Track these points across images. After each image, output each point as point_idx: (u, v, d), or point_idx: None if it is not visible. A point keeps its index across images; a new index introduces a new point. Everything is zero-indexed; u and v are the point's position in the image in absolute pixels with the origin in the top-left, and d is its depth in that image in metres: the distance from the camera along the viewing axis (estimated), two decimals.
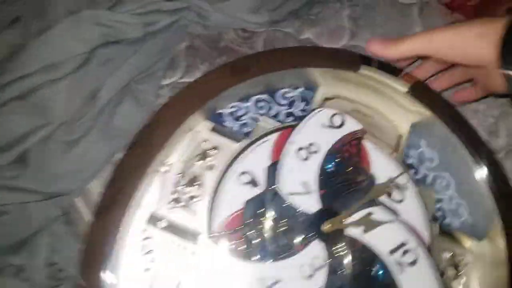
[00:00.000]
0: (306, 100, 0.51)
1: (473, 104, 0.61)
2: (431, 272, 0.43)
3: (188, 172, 0.46)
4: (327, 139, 0.47)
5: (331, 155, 0.46)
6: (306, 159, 0.46)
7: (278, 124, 0.48)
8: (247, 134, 0.49)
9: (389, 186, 0.45)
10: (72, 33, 0.50)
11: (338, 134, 0.47)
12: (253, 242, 0.43)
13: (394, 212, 0.45)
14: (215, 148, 0.47)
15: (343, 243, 0.43)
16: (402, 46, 0.46)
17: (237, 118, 0.49)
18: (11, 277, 0.48)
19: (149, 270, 0.43)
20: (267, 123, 0.48)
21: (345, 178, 0.46)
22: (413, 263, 0.43)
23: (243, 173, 0.44)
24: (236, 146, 0.46)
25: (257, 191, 0.44)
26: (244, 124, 0.49)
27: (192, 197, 0.45)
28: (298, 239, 0.43)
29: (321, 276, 0.42)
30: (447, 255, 0.46)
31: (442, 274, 0.45)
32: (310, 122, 0.46)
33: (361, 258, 0.44)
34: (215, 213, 0.43)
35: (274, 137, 0.46)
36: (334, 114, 0.47)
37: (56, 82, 0.49)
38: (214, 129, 0.48)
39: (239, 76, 0.47)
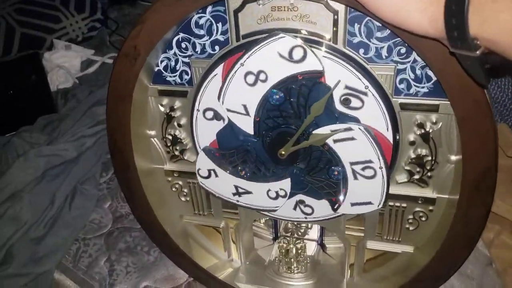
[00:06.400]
0: (221, 19, 0.44)
1: None
2: (381, 185, 0.45)
3: (166, 136, 0.53)
4: (280, 71, 0.42)
5: (279, 88, 0.43)
6: (252, 84, 0.43)
7: (209, 61, 0.46)
8: (189, 82, 0.48)
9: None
10: (25, 166, 0.70)
11: (293, 69, 0.41)
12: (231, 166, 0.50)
13: (354, 119, 0.43)
14: (171, 109, 0.51)
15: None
16: None
17: (173, 70, 0.48)
18: None
19: None
20: (200, 63, 0.46)
21: (283, 115, 0.45)
22: (370, 178, 0.45)
23: (205, 110, 0.48)
24: (186, 100, 0.49)
25: (222, 124, 0.48)
26: (182, 73, 0.48)
27: (182, 151, 0.54)
28: (265, 171, 0.49)
29: (283, 200, 0.50)
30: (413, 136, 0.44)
31: (411, 173, 0.47)
32: (266, 48, 0.41)
33: (323, 158, 0.47)
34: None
35: (220, 69, 0.45)
36: (296, 46, 0.40)
37: (22, 199, 0.67)
38: (160, 93, 0.50)
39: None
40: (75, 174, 0.75)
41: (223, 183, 0.52)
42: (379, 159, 0.45)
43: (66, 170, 0.74)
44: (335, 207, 0.49)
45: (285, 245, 0.64)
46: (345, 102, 0.43)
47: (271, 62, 0.42)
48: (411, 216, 0.50)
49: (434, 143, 0.44)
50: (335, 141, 0.45)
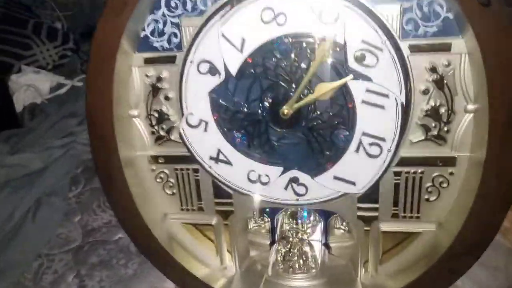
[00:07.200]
0: None
1: None
2: (377, 169, 0.43)
3: (151, 113, 0.47)
4: (303, 23, 0.39)
5: (291, 39, 0.40)
6: (266, 22, 0.39)
7: (202, 18, 0.42)
8: (178, 46, 0.44)
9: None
10: None
11: (316, 28, 0.39)
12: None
13: (366, 78, 0.40)
14: (158, 79, 0.46)
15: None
16: None
17: (161, 33, 0.44)
18: None
19: None
20: (191, 21, 0.42)
21: (276, 70, 0.42)
22: (372, 156, 0.42)
23: (200, 62, 0.43)
24: (174, 68, 0.44)
25: (217, 79, 0.43)
26: (171, 36, 0.44)
27: (169, 130, 0.47)
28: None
29: (260, 187, 0.46)
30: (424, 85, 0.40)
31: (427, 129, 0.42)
32: None
33: (337, 115, 0.43)
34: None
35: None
36: (331, 7, 0.38)
37: None
38: (147, 61, 0.45)
39: None
40: (40, 185, 0.66)
41: (207, 141, 0.46)
42: (392, 141, 0.42)
43: (31, 182, 0.66)
44: (316, 172, 0.45)
45: (284, 249, 0.57)
46: (360, 59, 0.40)
47: (299, 11, 0.39)
48: (430, 184, 0.44)
49: (449, 89, 0.41)
50: (363, 101, 0.41)
